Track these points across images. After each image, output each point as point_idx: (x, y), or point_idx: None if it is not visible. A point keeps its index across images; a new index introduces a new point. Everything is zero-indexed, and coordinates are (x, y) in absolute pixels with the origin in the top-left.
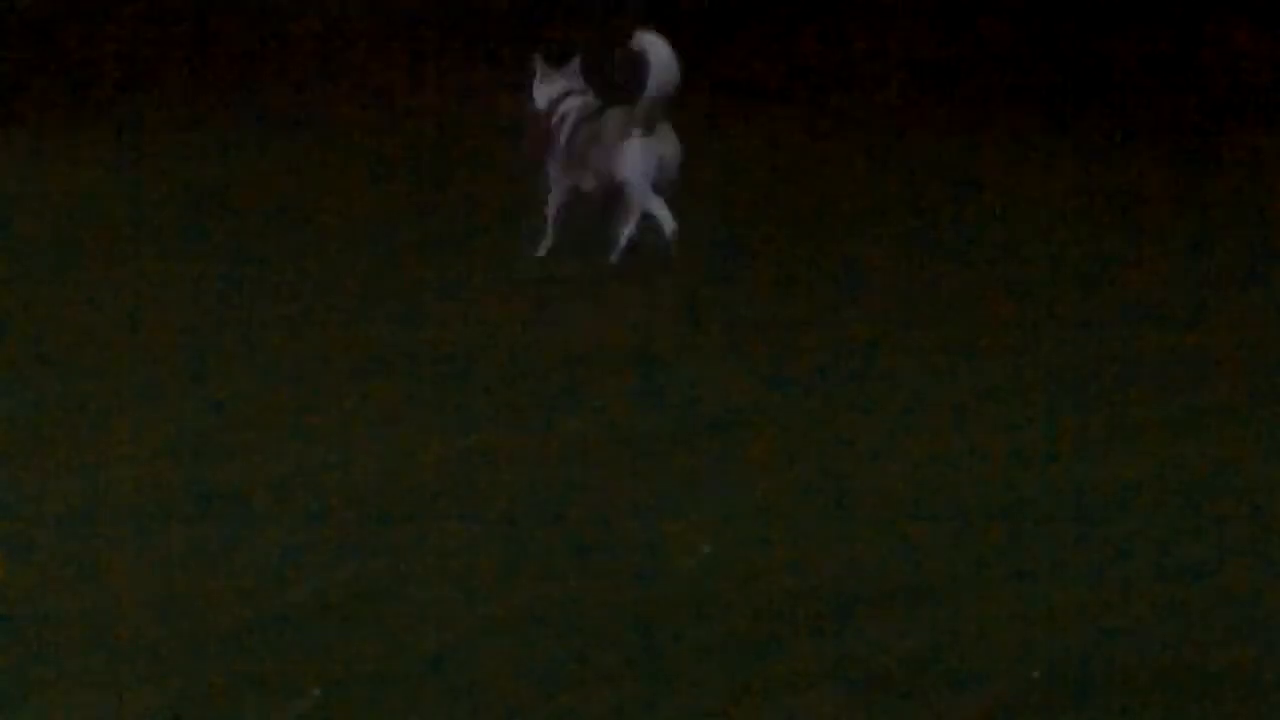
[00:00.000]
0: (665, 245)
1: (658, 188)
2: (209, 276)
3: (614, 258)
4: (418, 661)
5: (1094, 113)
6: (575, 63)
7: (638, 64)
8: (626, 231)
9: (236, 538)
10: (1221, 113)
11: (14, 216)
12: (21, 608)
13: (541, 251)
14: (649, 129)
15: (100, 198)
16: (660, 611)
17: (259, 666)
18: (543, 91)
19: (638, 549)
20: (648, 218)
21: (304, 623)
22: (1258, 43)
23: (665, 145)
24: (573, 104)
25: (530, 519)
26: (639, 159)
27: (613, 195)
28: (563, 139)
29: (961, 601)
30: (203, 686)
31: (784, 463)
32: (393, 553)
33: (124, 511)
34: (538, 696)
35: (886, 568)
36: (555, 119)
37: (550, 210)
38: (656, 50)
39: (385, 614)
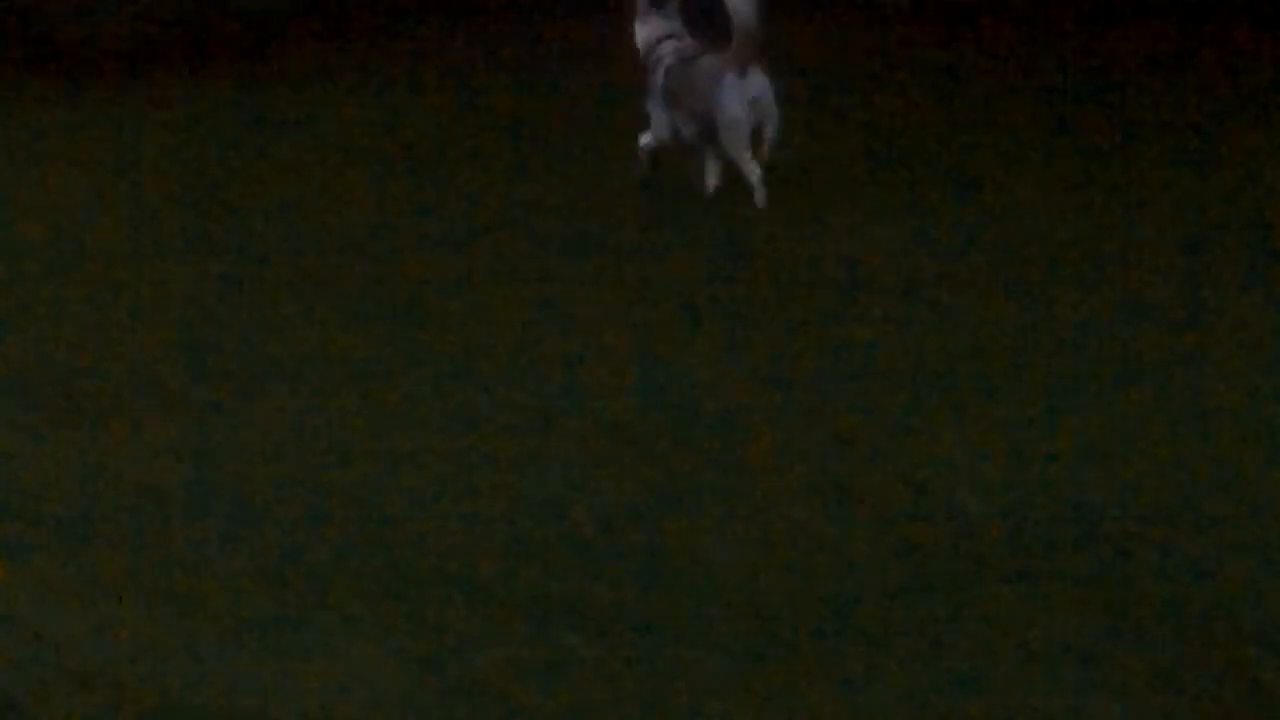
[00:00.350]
0: (751, 191)
1: (753, 131)
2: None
3: (709, 190)
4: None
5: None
6: (674, 5)
7: (723, 11)
8: (714, 171)
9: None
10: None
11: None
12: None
13: (637, 181)
14: (741, 73)
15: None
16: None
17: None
18: (643, 33)
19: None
20: (732, 166)
21: None
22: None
23: (757, 88)
24: (670, 47)
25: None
26: (733, 101)
27: (708, 137)
28: (660, 81)
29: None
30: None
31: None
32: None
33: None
34: (374, 591)
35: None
36: (653, 60)
37: (645, 147)
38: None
39: None
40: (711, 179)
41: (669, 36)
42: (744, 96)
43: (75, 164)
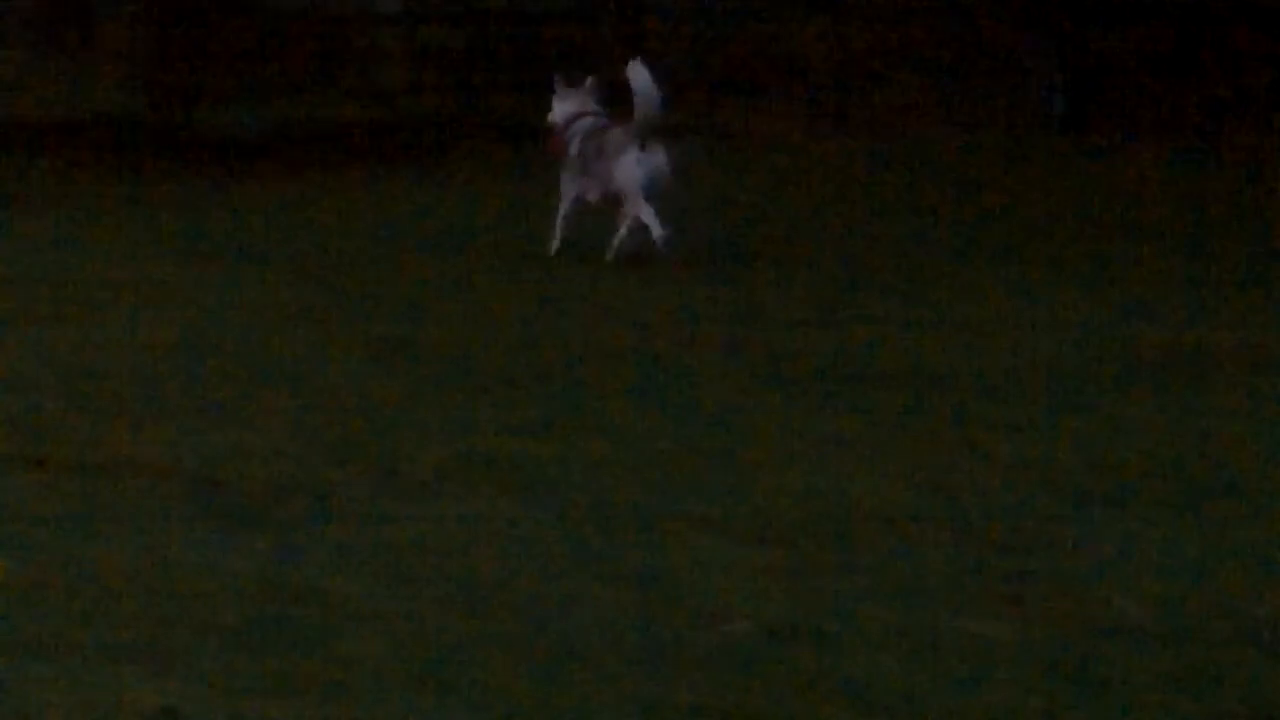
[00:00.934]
0: (655, 249)
1: (650, 197)
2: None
3: (609, 257)
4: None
5: (1094, 113)
6: (588, 85)
7: (628, 89)
8: (620, 235)
9: None
10: (1221, 113)
11: None
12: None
13: (550, 251)
14: (643, 146)
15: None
16: (659, 612)
17: None
18: (559, 109)
19: (638, 549)
20: (641, 224)
21: None
22: (1258, 43)
23: (657, 160)
24: (583, 123)
25: (530, 518)
26: (633, 171)
27: (612, 203)
28: (573, 152)
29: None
30: None
31: (784, 463)
32: (391, 550)
33: None
34: (535, 696)
35: (886, 568)
36: (568, 134)
37: (559, 215)
38: (639, 78)
39: None
40: (614, 248)
41: (583, 113)
42: (644, 165)
43: (212, 256)
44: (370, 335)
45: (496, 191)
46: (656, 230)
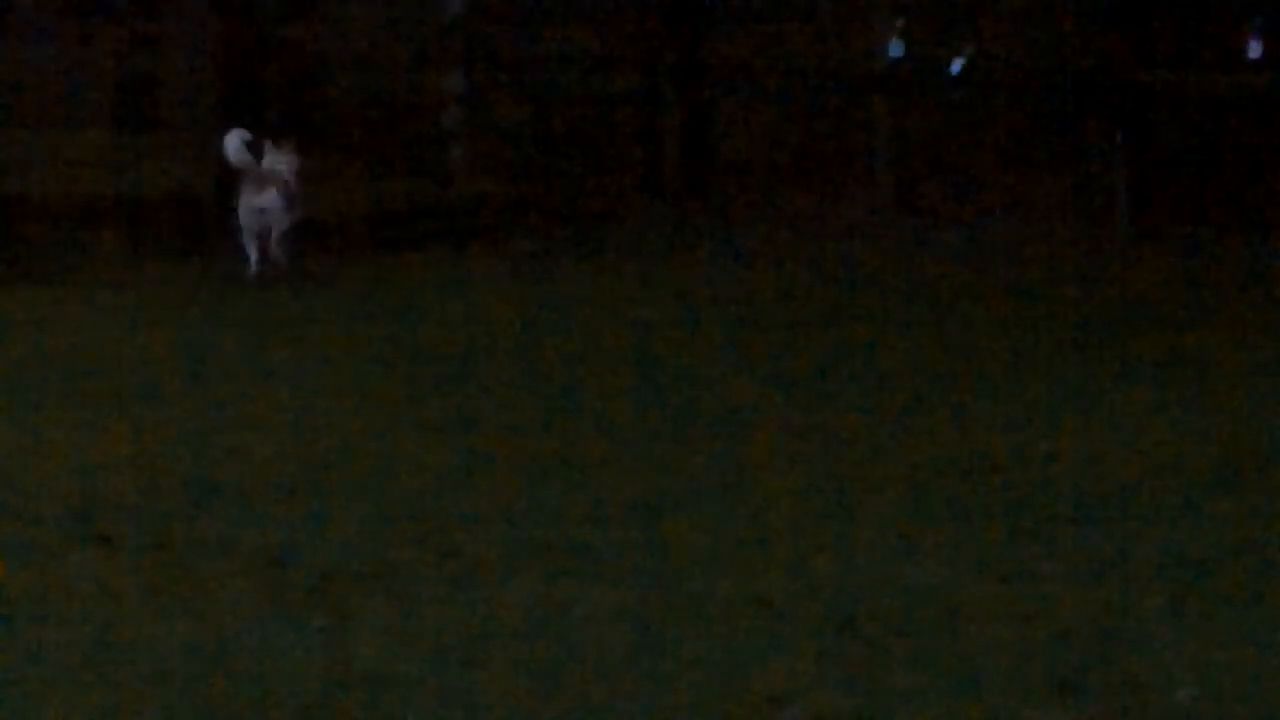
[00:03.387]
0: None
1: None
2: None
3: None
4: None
5: (1161, 202)
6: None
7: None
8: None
9: None
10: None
11: None
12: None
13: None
14: (257, 190)
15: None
16: (716, 699)
17: None
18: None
19: (698, 634)
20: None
21: None
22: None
23: (268, 200)
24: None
25: (592, 601)
26: (245, 208)
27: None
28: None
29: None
30: None
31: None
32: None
33: None
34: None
35: (946, 656)
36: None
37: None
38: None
39: None
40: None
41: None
42: (253, 206)
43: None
44: (433, 415)
45: (560, 274)
46: (254, 262)
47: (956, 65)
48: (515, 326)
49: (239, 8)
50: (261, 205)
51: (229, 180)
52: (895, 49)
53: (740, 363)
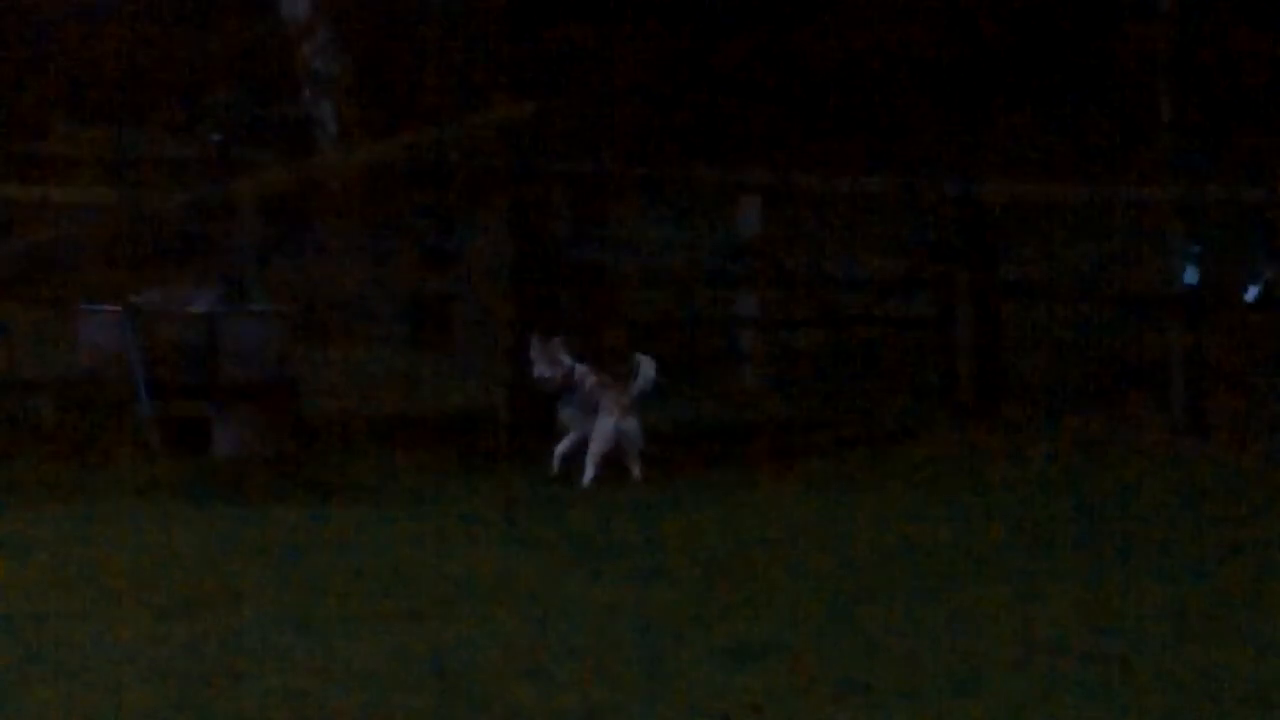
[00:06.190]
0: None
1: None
2: None
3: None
4: None
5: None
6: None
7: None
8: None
9: None
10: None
11: None
12: None
13: None
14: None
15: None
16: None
17: None
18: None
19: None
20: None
21: None
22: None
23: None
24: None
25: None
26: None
27: None
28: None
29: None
30: None
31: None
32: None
33: None
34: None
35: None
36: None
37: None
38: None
39: None
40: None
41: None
42: (616, 427)
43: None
44: (727, 638)
45: (849, 497)
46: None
47: (1253, 291)
48: (803, 549)
49: (534, 228)
50: (624, 428)
51: (528, 397)
52: (1190, 275)
53: (1036, 590)
